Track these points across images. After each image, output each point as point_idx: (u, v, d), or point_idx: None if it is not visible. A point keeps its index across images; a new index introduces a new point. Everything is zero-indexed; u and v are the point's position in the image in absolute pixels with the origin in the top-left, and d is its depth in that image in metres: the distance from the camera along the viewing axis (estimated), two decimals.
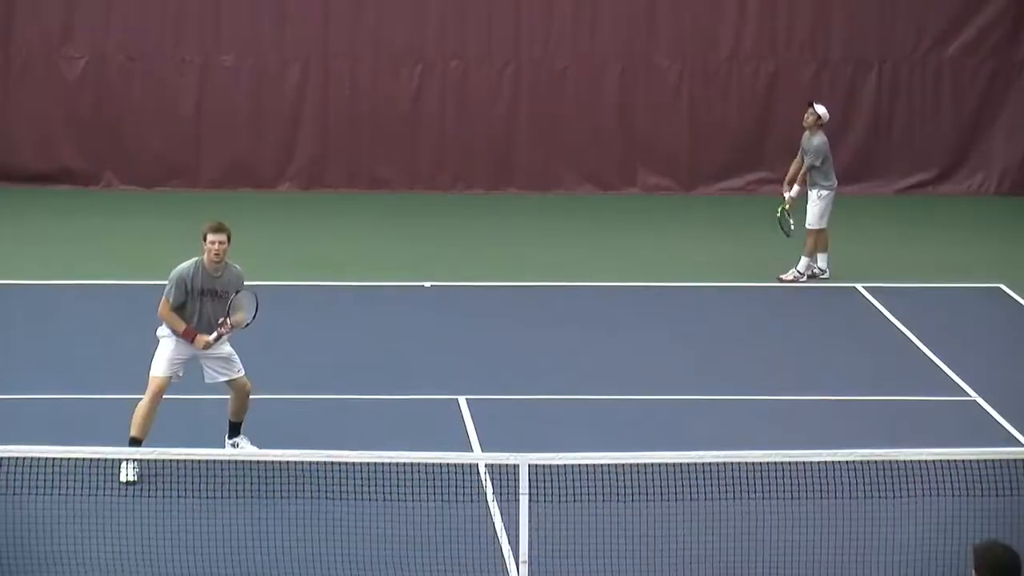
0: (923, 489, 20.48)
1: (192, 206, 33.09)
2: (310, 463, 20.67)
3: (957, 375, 26.26)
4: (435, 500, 20.45)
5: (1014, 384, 25.83)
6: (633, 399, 25.01)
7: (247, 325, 21.62)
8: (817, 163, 29.56)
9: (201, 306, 21.55)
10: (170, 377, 21.53)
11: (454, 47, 35.69)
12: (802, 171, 29.85)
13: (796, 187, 30.26)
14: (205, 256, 21.53)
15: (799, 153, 29.86)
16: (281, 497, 20.55)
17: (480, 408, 24.38)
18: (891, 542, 20.06)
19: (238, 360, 21.83)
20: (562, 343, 27.54)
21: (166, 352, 21.49)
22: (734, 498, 20.31)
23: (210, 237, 21.58)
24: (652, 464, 20.32)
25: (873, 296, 29.57)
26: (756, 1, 35.61)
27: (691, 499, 20.41)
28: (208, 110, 35.45)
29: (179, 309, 21.43)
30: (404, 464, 20.43)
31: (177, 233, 29.77)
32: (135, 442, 21.10)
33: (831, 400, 25.14)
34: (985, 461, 21.50)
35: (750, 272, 30.45)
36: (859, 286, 30.09)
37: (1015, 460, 21.88)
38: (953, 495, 20.07)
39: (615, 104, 35.66)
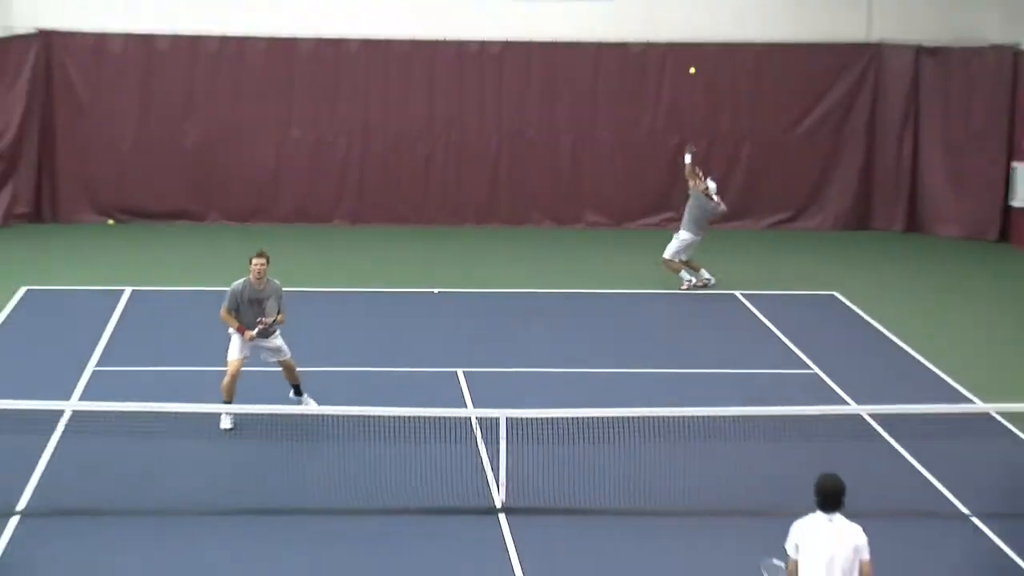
0: (783, 435, 20.75)
1: (270, 235, 32.98)
2: (351, 416, 20.91)
3: (804, 355, 26.41)
4: (440, 443, 20.69)
5: (844, 361, 25.97)
6: (577, 371, 25.14)
7: (273, 322, 21.85)
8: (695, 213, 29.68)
9: (248, 310, 21.72)
10: (240, 360, 21.81)
11: (455, 124, 35.44)
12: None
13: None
14: (251, 275, 21.72)
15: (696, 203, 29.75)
16: (328, 439, 20.81)
17: (472, 378, 24.54)
18: (755, 470, 20.10)
19: (286, 348, 22.08)
20: (531, 332, 27.61)
21: (235, 343, 21.87)
22: (654, 441, 20.57)
23: (254, 261, 21.77)
24: (592, 417, 20.68)
25: (747, 300, 29.65)
26: (666, 95, 35.47)
27: (621, 441, 20.62)
28: (282, 168, 35.28)
29: (236, 312, 21.79)
30: (416, 417, 20.77)
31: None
32: (226, 403, 21.56)
33: (715, 372, 25.22)
34: (824, 416, 21.77)
35: (661, 284, 30.45)
36: (737, 293, 30.11)
37: (846, 415, 22.14)
38: (798, 440, 20.36)
39: (568, 164, 35.51)
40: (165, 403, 21.05)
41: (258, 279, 21.80)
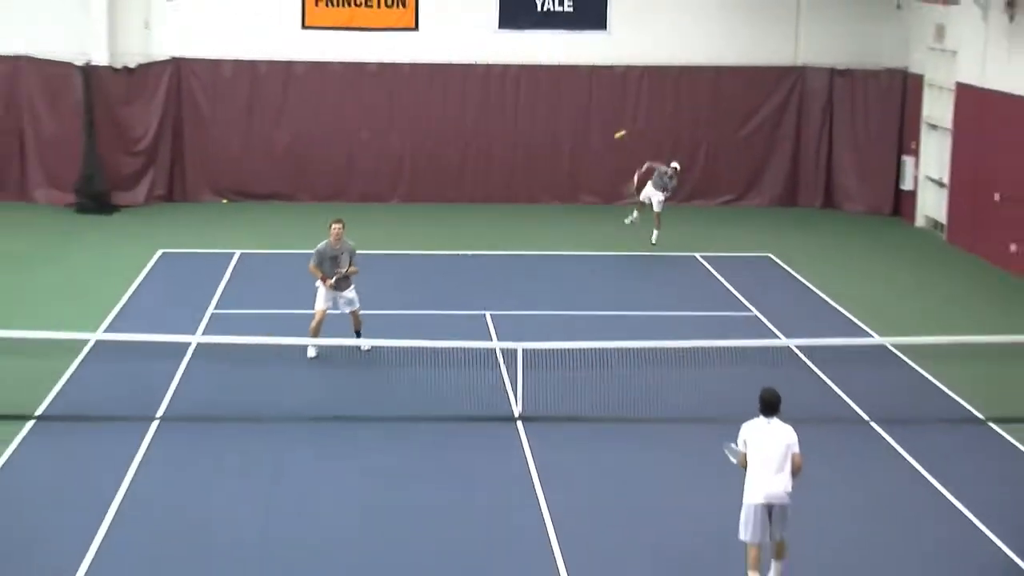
0: (731, 361, 20.80)
1: (344, 211, 32.94)
2: (398, 347, 21.05)
3: (746, 300, 26.44)
4: (470, 369, 20.80)
5: (776, 305, 26.03)
6: (576, 314, 25.15)
7: (347, 272, 21.94)
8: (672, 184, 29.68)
9: (329, 265, 21.91)
10: (325, 308, 21.97)
11: (483, 126, 35.43)
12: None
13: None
14: (331, 237, 21.97)
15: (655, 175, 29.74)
16: (382, 366, 20.87)
17: (498, 320, 24.51)
18: (713, 388, 20.17)
19: (358, 300, 22.16)
20: (542, 285, 27.56)
21: (321, 294, 22.01)
22: (638, 366, 20.66)
23: (333, 225, 22.13)
24: (589, 348, 20.76)
25: (704, 261, 29.56)
26: (644, 107, 35.34)
27: (610, 366, 20.66)
28: (354, 161, 35.31)
29: (320, 266, 21.89)
30: (451, 348, 20.87)
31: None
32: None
33: (681, 315, 25.08)
34: (761, 348, 21.82)
35: (636, 247, 30.50)
36: (697, 255, 30.02)
37: (778, 347, 22.15)
38: (742, 364, 20.40)
39: (567, 160, 35.63)
40: (266, 337, 21.30)
41: (336, 240, 22.04)
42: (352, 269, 22.14)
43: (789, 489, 13.98)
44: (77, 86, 34.13)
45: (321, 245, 22.16)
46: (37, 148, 34.90)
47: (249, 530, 15.59)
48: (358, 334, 22.25)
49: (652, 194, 29.90)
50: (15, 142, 34.91)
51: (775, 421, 14.10)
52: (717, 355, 21.15)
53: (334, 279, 21.88)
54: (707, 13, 35.52)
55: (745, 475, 14.04)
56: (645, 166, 29.96)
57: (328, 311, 22.07)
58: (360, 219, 31.13)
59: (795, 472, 14.01)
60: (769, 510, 13.93)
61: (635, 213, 29.98)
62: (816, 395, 20.72)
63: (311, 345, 21.91)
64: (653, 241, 29.95)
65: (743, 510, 13.98)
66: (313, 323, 21.95)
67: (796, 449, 13.99)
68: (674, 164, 30.26)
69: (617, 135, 30.14)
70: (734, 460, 14.25)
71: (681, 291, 27.39)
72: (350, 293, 22.21)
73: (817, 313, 25.83)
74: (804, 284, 28.06)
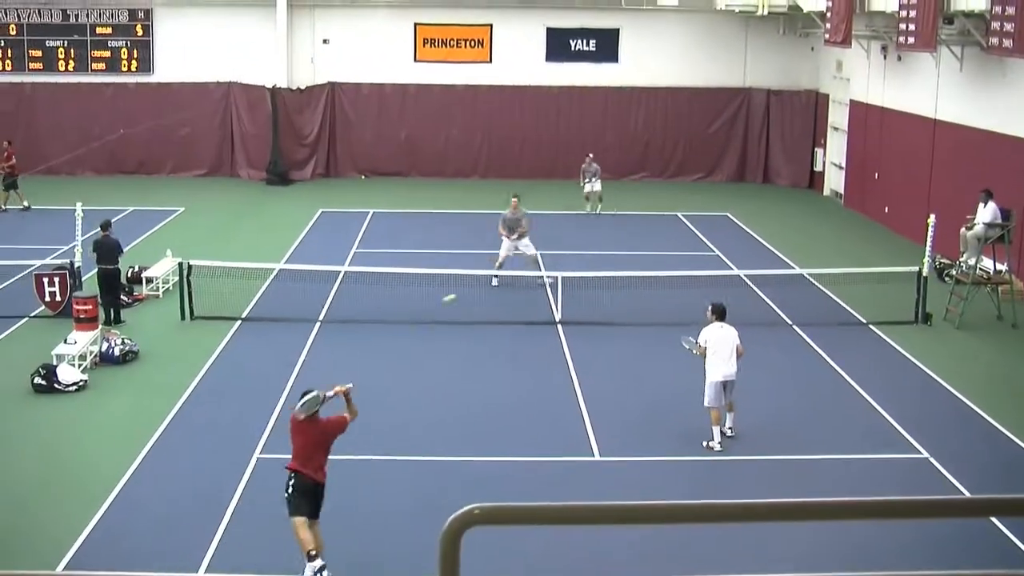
0: (700, 284, 20.69)
1: (442, 185, 33.18)
2: (473, 275, 21.03)
3: (711, 244, 26.39)
4: (528, 290, 20.91)
5: (731, 247, 25.99)
6: (596, 254, 25.13)
7: (525, 234, 21.81)
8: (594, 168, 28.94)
9: (509, 226, 21.88)
10: (507, 254, 21.77)
11: (534, 131, 35.13)
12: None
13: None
14: (510, 207, 22.16)
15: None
16: (459, 286, 20.74)
17: (545, 258, 24.65)
18: (687, 304, 19.61)
19: (532, 247, 22.09)
20: (573, 235, 27.35)
21: (504, 244, 21.90)
22: (641, 287, 20.59)
23: (512, 199, 22.30)
24: (609, 276, 20.74)
25: (684, 219, 29.40)
26: (643, 115, 35.05)
27: (622, 287, 20.63)
28: (448, 151, 35.23)
29: (503, 226, 21.85)
30: (514, 276, 20.91)
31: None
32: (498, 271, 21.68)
33: (666, 254, 24.81)
34: (721, 276, 21.72)
35: (637, 210, 30.41)
36: (678, 214, 29.88)
37: (732, 276, 22.03)
38: (706, 287, 20.36)
39: (592, 148, 35.51)
40: (392, 267, 21.48)
41: (514, 209, 22.11)
42: (523, 229, 21.86)
43: (736, 369, 14.21)
44: (267, 101, 34.37)
45: (506, 212, 22.24)
46: (242, 142, 35.20)
47: (384, 393, 15.95)
48: (539, 273, 21.93)
49: (592, 184, 29.63)
50: (228, 139, 35.28)
51: (726, 325, 14.27)
52: (692, 281, 21.16)
53: (515, 236, 21.77)
54: (684, 51, 35.22)
55: (704, 361, 14.25)
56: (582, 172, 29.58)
57: (510, 255, 21.86)
58: (451, 189, 31.33)
59: (739, 357, 14.23)
60: (724, 384, 14.15)
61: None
62: (757, 308, 20.77)
63: (494, 276, 21.64)
64: (598, 212, 29.53)
65: (707, 387, 14.20)
66: (497, 262, 21.79)
67: (739, 342, 14.18)
68: (589, 155, 30.11)
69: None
70: (693, 351, 14.43)
71: (668, 239, 27.05)
72: (524, 243, 22.05)
73: (758, 253, 25.67)
74: (750, 234, 27.82)
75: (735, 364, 14.16)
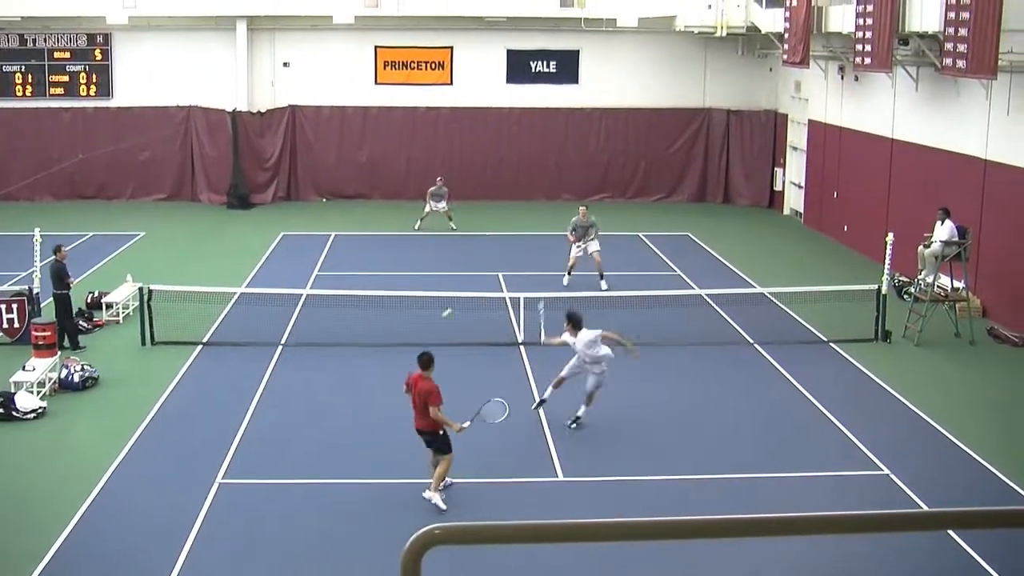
0: (659, 304, 20.70)
1: (404, 206, 32.98)
2: (434, 296, 20.74)
3: (672, 263, 26.45)
4: (488, 311, 20.80)
5: (692, 267, 26.05)
6: (556, 274, 25.11)
7: (594, 238, 23.57)
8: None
9: (580, 231, 23.63)
10: (576, 255, 23.61)
11: (496, 152, 35.16)
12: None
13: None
14: (580, 215, 23.76)
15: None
16: (417, 308, 20.65)
17: (507, 279, 24.40)
18: (646, 324, 19.95)
19: (598, 248, 23.54)
20: (534, 256, 27.09)
21: (573, 250, 23.73)
22: (602, 308, 20.53)
23: (580, 210, 23.88)
24: (569, 297, 20.58)
25: (646, 239, 29.43)
26: (603, 136, 35.19)
27: (583, 307, 20.64)
28: (410, 172, 34.91)
29: (573, 232, 23.62)
30: (474, 297, 20.70)
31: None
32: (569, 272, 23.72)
33: (627, 274, 24.59)
34: (681, 295, 21.76)
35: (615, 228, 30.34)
36: (640, 234, 29.90)
37: (692, 295, 22.10)
38: (671, 307, 20.37)
39: (553, 170, 35.38)
40: (354, 290, 21.40)
41: (583, 216, 23.64)
42: (592, 237, 23.53)
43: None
44: (228, 125, 34.26)
45: (574, 218, 23.77)
46: (203, 166, 35.01)
47: (346, 415, 15.90)
48: (600, 275, 23.27)
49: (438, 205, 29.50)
50: (188, 163, 35.09)
51: (583, 330, 15.37)
52: (654, 301, 21.24)
53: (580, 243, 23.53)
54: (644, 72, 35.43)
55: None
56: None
57: (578, 257, 23.55)
58: (414, 211, 31.23)
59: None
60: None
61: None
62: (718, 326, 20.88)
63: (566, 276, 23.57)
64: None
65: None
66: (569, 263, 23.66)
67: (598, 336, 15.32)
68: (439, 178, 30.07)
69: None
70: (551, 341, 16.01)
71: (629, 258, 26.88)
72: (593, 245, 23.52)
73: (718, 272, 25.71)
74: (710, 253, 27.88)
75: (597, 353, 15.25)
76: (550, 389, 15.90)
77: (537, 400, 16.08)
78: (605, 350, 15.41)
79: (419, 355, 13.27)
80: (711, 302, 22.05)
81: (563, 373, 15.73)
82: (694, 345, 19.41)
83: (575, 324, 15.40)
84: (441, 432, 13.13)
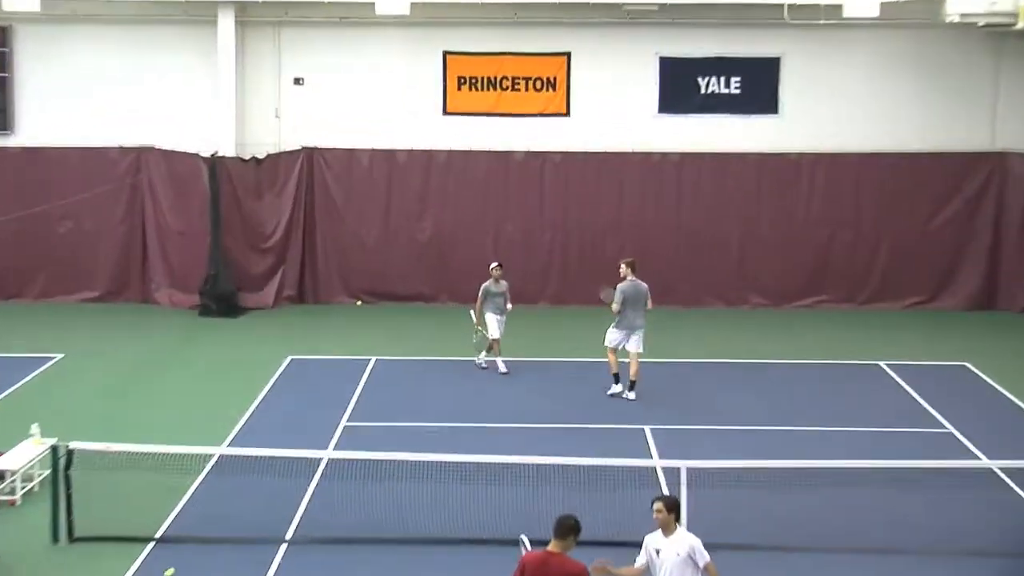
0: (917, 484, 20.21)
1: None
2: (543, 464, 20.64)
3: (939, 414, 25.78)
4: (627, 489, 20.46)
5: (974, 420, 25.34)
6: (738, 429, 24.73)
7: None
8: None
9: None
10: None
11: (640, 225, 35.39)
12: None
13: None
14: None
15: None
16: (546, 484, 20.40)
17: (657, 434, 24.23)
18: (895, 520, 19.83)
19: (638, 346, 26.97)
20: (701, 397, 27.07)
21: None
22: (805, 489, 20.07)
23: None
24: (758, 468, 20.28)
25: (889, 369, 29.05)
26: (819, 196, 35.50)
27: (777, 487, 20.12)
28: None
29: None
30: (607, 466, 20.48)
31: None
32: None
33: (862, 431, 24.45)
34: (957, 468, 21.16)
35: (817, 355, 29.91)
36: (882, 363, 29.56)
37: (978, 468, 21.52)
38: (935, 490, 19.83)
39: (735, 257, 35.44)
40: (403, 452, 21.15)
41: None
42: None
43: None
44: (204, 178, 34.79)
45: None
46: (161, 247, 35.58)
47: None
48: (631, 385, 26.63)
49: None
50: (138, 240, 35.69)
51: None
52: (909, 481, 20.53)
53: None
54: (887, 92, 35.42)
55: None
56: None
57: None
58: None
59: None
60: None
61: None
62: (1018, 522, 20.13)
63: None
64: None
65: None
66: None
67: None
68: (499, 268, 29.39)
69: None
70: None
71: (863, 404, 26.73)
72: (635, 343, 27.00)
73: (1021, 430, 25.26)
74: (1007, 397, 27.43)
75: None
76: None
77: None
78: None
79: (558, 520, 13.65)
80: (1009, 481, 21.27)
81: None
82: (988, 556, 18.68)
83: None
84: None
